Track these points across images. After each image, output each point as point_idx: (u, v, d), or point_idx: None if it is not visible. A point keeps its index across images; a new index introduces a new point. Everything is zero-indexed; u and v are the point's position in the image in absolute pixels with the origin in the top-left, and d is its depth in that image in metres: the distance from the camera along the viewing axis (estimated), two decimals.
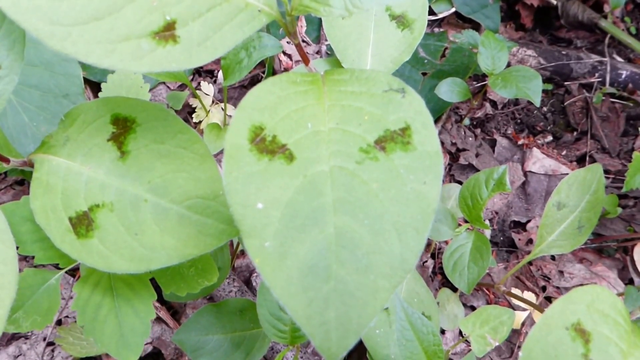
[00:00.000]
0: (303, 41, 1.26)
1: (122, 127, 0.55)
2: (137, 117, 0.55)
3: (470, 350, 1.04)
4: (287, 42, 1.23)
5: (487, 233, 1.19)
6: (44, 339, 1.00)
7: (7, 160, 0.57)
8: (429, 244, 1.10)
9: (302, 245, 0.39)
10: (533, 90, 1.02)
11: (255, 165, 0.41)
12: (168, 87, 1.20)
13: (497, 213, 1.21)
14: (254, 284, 1.04)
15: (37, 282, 0.62)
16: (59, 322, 1.01)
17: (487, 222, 1.20)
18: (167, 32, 0.43)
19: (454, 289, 1.07)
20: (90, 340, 0.97)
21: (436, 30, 1.38)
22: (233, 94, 1.25)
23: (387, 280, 0.38)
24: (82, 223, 0.53)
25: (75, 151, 0.55)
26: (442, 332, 1.05)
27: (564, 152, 1.30)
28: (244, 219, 0.39)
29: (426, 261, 1.10)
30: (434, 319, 0.87)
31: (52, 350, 0.99)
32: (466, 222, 0.93)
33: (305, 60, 0.52)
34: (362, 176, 0.41)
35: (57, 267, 0.64)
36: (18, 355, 0.99)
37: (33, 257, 0.63)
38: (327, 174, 0.41)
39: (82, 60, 0.41)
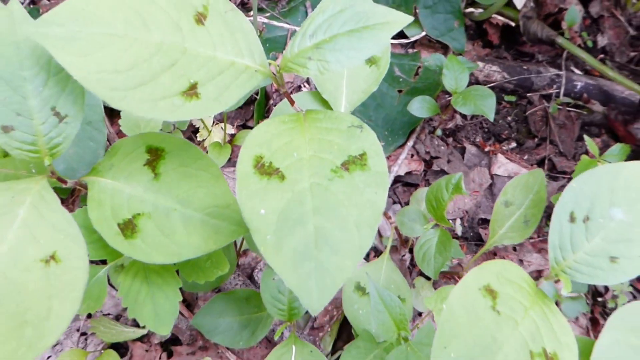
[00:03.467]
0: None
1: (155, 155, 0.72)
2: (166, 147, 0.72)
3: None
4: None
5: (459, 229, 1.37)
6: (78, 330, 1.17)
7: (65, 182, 0.74)
8: (406, 241, 1.28)
9: (292, 238, 0.56)
10: (488, 107, 1.21)
11: (258, 184, 0.59)
12: None
13: (467, 212, 1.39)
14: (256, 278, 1.21)
15: (90, 274, 0.80)
16: (89, 316, 1.19)
17: (458, 219, 1.38)
18: (191, 91, 0.61)
19: (429, 278, 1.25)
20: (117, 328, 1.15)
21: (410, 51, 1.56)
22: (231, 114, 1.43)
23: (350, 260, 0.56)
24: (127, 228, 0.70)
25: (118, 174, 0.72)
26: (419, 314, 1.23)
27: (525, 157, 1.48)
28: (252, 221, 0.57)
29: (404, 255, 1.28)
30: (407, 301, 1.05)
31: (85, 339, 1.17)
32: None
33: (291, 102, 0.70)
34: (332, 189, 0.59)
35: (103, 262, 0.82)
36: (56, 344, 1.16)
37: None
38: (308, 189, 0.59)
39: (134, 114, 0.59)
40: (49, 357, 1.13)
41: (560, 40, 1.58)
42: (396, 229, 1.17)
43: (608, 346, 0.76)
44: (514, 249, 1.34)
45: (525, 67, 1.57)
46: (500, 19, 1.66)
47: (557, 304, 1.10)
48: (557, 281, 1.21)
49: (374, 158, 0.61)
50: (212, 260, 0.85)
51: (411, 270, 1.28)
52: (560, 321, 0.67)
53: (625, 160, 1.18)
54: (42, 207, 0.65)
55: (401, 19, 0.63)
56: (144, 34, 0.60)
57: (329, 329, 1.16)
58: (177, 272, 0.85)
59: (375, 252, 1.30)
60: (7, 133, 0.63)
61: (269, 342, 1.17)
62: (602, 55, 1.68)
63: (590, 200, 0.70)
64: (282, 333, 1.09)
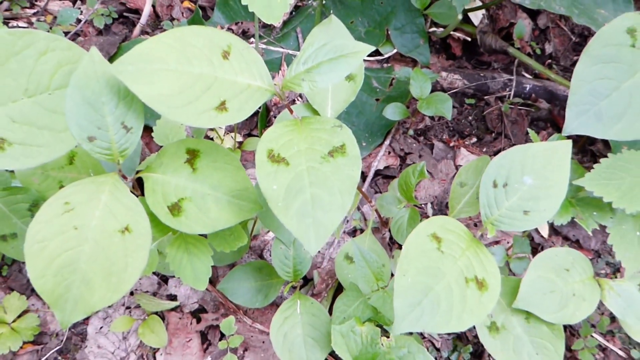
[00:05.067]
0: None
1: (192, 155, 0.99)
2: (201, 148, 0.99)
3: None
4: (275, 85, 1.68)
5: (430, 212, 1.64)
6: (123, 304, 1.43)
7: (126, 178, 1.00)
8: (386, 222, 1.55)
9: (296, 203, 0.83)
10: (446, 109, 1.49)
11: (271, 168, 0.85)
12: None
13: (436, 197, 1.67)
14: (265, 256, 1.48)
15: None
16: (131, 293, 1.45)
17: (429, 204, 1.65)
18: (222, 106, 0.87)
19: None
20: (155, 301, 1.41)
21: (385, 65, 1.84)
22: (239, 125, 1.70)
23: (336, 216, 0.82)
24: (175, 208, 0.97)
25: (166, 169, 0.98)
26: None
27: (484, 149, 1.75)
28: (267, 194, 0.84)
29: (384, 234, 1.55)
30: (386, 266, 1.31)
31: (130, 312, 1.43)
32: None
33: (290, 112, 0.97)
34: (322, 169, 0.85)
35: None
36: (106, 318, 1.43)
37: None
38: (305, 170, 0.85)
39: (183, 124, 0.85)
40: (101, 327, 1.40)
41: (511, 50, 1.86)
42: (377, 211, 1.44)
43: (532, 281, 1.03)
44: (475, 224, 1.62)
45: (482, 74, 1.85)
46: (460, 35, 1.94)
47: (507, 264, 1.37)
48: (508, 248, 1.49)
49: (350, 147, 0.87)
50: (234, 235, 1.11)
51: (391, 246, 1.55)
52: (489, 258, 0.94)
53: None
54: (117, 194, 0.91)
55: (365, 49, 0.90)
56: (188, 68, 0.87)
57: (326, 295, 1.43)
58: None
59: (362, 232, 1.57)
60: (92, 142, 0.89)
61: (278, 308, 1.44)
62: (549, 61, 1.97)
63: (508, 171, 0.97)
64: (288, 292, 1.36)
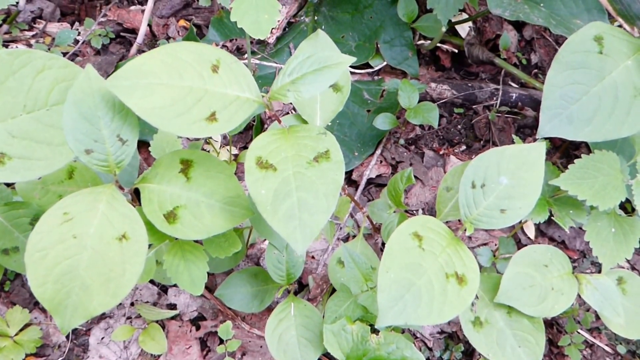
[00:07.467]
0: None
1: (186, 165, 1.03)
2: (194, 159, 1.04)
3: None
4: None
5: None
6: (124, 315, 1.48)
7: (123, 189, 1.06)
8: (378, 228, 1.60)
9: (283, 206, 0.88)
10: (433, 118, 1.54)
11: (260, 174, 0.90)
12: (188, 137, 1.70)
13: (427, 203, 1.71)
14: (261, 264, 1.53)
15: None
16: (132, 304, 1.50)
17: (420, 210, 1.70)
18: (212, 117, 0.92)
19: None
20: (155, 310, 1.46)
21: (375, 78, 1.90)
22: (234, 138, 1.76)
23: (321, 218, 0.87)
24: (170, 216, 1.01)
25: (161, 180, 1.03)
26: None
27: (473, 157, 1.79)
28: (256, 198, 0.89)
29: (377, 239, 1.60)
30: (376, 269, 1.36)
31: (131, 322, 1.48)
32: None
33: (279, 121, 1.02)
34: (308, 174, 0.90)
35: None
36: (107, 328, 1.47)
37: None
38: (292, 175, 0.90)
39: (177, 134, 0.91)
40: (102, 338, 1.44)
41: (497, 60, 1.91)
42: (369, 218, 1.49)
43: (512, 276, 1.08)
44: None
45: (470, 85, 1.91)
46: (449, 47, 2.00)
47: (494, 264, 1.41)
48: (495, 250, 1.53)
49: (334, 153, 0.92)
50: (228, 241, 1.16)
51: (383, 250, 1.60)
52: (468, 255, 0.99)
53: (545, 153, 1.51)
54: (114, 203, 0.96)
55: (347, 60, 0.95)
56: (179, 82, 0.92)
57: (321, 299, 1.47)
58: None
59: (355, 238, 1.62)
60: (89, 154, 0.94)
61: None
62: (535, 70, 2.03)
63: (485, 172, 1.02)
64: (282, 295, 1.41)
